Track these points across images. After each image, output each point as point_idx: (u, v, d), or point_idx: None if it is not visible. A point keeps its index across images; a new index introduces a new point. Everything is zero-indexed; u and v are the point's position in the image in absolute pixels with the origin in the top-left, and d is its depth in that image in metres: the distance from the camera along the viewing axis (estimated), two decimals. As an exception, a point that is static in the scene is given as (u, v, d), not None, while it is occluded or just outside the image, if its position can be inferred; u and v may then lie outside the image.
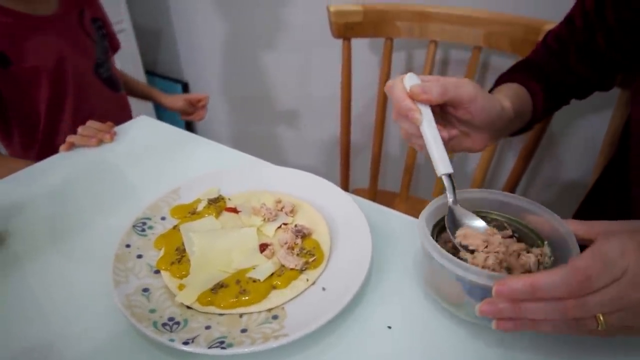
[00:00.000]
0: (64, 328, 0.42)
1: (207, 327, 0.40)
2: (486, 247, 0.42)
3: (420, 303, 0.44)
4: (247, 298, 0.42)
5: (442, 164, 0.42)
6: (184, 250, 0.47)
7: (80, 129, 0.71)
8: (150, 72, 1.75)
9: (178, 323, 0.40)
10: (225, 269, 0.45)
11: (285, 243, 0.47)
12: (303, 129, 1.54)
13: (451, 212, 0.43)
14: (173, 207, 0.54)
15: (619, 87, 0.76)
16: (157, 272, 0.46)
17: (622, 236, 0.31)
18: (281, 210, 0.52)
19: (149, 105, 1.53)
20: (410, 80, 0.44)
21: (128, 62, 1.54)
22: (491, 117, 0.46)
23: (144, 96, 1.15)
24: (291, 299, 0.42)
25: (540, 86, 0.58)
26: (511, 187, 0.96)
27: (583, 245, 0.38)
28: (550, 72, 0.60)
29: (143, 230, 0.50)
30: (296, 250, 0.46)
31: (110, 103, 1.01)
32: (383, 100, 1.02)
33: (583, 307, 0.30)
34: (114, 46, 1.07)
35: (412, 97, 0.43)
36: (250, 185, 0.57)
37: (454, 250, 0.44)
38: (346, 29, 0.95)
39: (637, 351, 0.38)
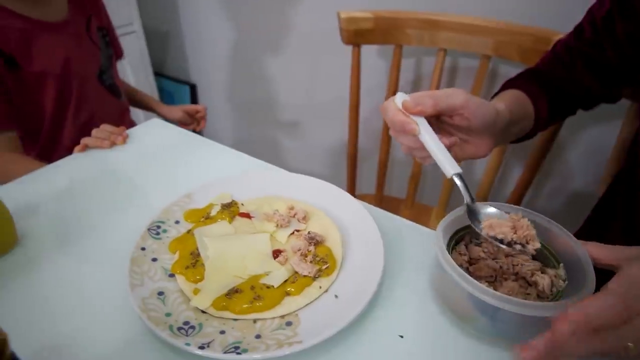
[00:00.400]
0: (78, 330, 0.42)
1: (222, 332, 0.40)
2: (515, 232, 0.42)
3: (432, 313, 0.44)
4: (261, 304, 0.42)
5: (449, 165, 0.43)
6: (198, 254, 0.48)
7: (94, 132, 0.72)
8: (158, 74, 1.76)
9: (193, 327, 0.41)
10: (239, 274, 0.45)
11: (299, 250, 0.47)
12: (309, 134, 1.55)
13: (470, 210, 0.44)
14: (187, 211, 0.54)
15: (628, 100, 0.76)
16: (172, 275, 0.46)
17: None
18: (294, 216, 0.53)
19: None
20: (401, 98, 0.45)
21: (137, 63, 1.55)
22: (487, 120, 0.46)
23: (143, 106, 1.17)
24: (304, 306, 0.43)
25: (543, 92, 0.58)
26: (517, 198, 0.97)
27: (598, 269, 0.38)
28: (556, 81, 0.60)
29: (157, 233, 0.51)
30: (309, 258, 0.47)
31: (111, 109, 1.02)
32: (391, 107, 1.02)
33: (617, 338, 0.30)
34: (118, 53, 1.09)
35: (406, 110, 0.44)
36: (262, 190, 0.58)
37: (468, 264, 0.45)
38: (356, 36, 0.96)
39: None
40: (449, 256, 0.40)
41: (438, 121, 0.47)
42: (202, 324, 0.41)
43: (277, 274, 0.45)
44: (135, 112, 1.13)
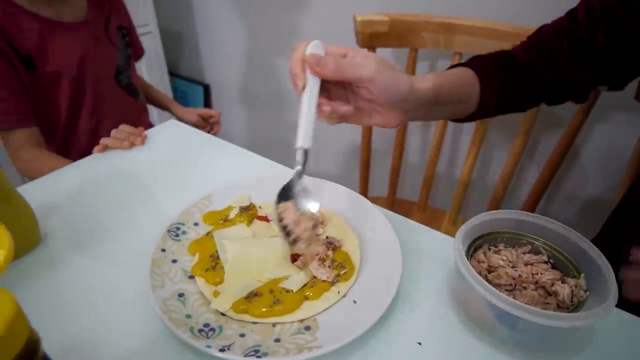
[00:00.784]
0: (98, 330, 0.43)
1: (242, 335, 0.41)
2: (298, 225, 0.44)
3: (450, 320, 0.44)
4: (280, 308, 0.42)
5: (302, 138, 0.43)
6: (218, 257, 0.48)
7: (113, 132, 0.73)
8: (172, 74, 1.78)
9: (213, 330, 0.41)
10: (258, 277, 0.46)
11: (317, 254, 0.48)
12: (320, 135, 1.55)
13: (292, 183, 0.45)
14: (205, 213, 0.55)
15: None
16: (191, 277, 0.47)
17: None
18: (311, 220, 0.53)
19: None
20: (314, 49, 0.44)
21: (153, 63, 1.57)
22: (394, 98, 0.45)
23: (161, 106, 1.18)
24: (323, 311, 0.43)
25: (502, 78, 0.56)
26: (533, 203, 0.96)
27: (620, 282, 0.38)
28: (524, 67, 0.58)
29: (177, 235, 0.51)
30: (327, 262, 0.47)
31: (128, 109, 1.04)
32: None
33: None
34: (139, 53, 1.10)
35: (307, 64, 0.43)
36: (279, 194, 0.58)
37: (487, 272, 0.45)
38: (372, 38, 0.96)
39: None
40: (469, 264, 0.40)
41: (342, 87, 0.47)
42: (222, 326, 0.41)
43: (296, 279, 0.45)
44: (149, 111, 1.14)
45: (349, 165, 1.54)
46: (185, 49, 1.76)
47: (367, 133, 1.08)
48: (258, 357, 0.38)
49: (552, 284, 0.43)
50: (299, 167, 0.44)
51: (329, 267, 0.46)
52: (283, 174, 0.66)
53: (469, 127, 1.16)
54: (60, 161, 0.82)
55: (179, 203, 0.56)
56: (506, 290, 0.44)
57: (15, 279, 0.48)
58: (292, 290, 0.44)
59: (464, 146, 1.21)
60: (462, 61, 0.62)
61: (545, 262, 0.45)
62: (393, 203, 1.18)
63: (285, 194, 0.45)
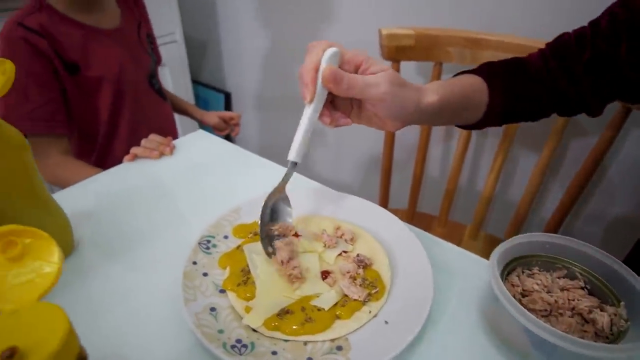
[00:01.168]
0: (129, 341, 0.43)
1: (274, 353, 0.41)
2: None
3: (483, 343, 0.43)
4: (311, 326, 0.42)
5: (295, 150, 0.45)
6: (249, 271, 0.48)
7: (143, 142, 0.74)
8: (195, 81, 1.80)
9: (245, 346, 0.41)
10: (289, 294, 0.46)
11: (348, 272, 0.48)
12: (340, 146, 1.56)
13: (278, 196, 0.50)
14: (235, 226, 0.55)
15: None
16: (222, 291, 0.47)
17: None
18: (341, 237, 0.53)
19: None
20: (330, 59, 0.43)
21: (177, 71, 1.60)
22: (398, 115, 0.45)
23: (182, 111, 1.20)
24: (354, 331, 0.43)
25: (512, 87, 0.56)
26: (557, 222, 0.94)
27: None
28: (539, 74, 0.57)
29: (208, 248, 0.52)
30: (358, 281, 0.47)
31: (160, 111, 1.07)
32: (429, 124, 1.02)
33: None
34: (158, 60, 1.14)
35: (321, 76, 0.42)
36: (307, 208, 0.59)
37: (521, 296, 0.44)
38: (397, 52, 0.96)
39: None
40: (504, 288, 0.40)
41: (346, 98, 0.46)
42: (254, 343, 0.42)
43: (327, 297, 0.45)
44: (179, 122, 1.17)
45: (367, 175, 1.53)
46: (209, 57, 1.79)
47: (390, 143, 1.08)
48: (291, 376, 0.38)
49: (590, 312, 0.42)
50: (287, 180, 0.48)
51: (360, 285, 0.46)
52: (309, 188, 0.66)
53: (493, 141, 1.15)
54: (87, 169, 0.84)
55: (206, 213, 0.57)
56: (542, 316, 0.43)
57: (50, 287, 0.49)
58: (323, 309, 0.44)
59: (486, 159, 1.20)
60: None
61: (582, 288, 0.44)
62: (413, 216, 1.17)
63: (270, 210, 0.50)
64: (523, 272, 0.47)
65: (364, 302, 0.45)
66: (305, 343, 0.42)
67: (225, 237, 0.54)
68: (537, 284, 0.45)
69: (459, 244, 0.56)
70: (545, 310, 0.43)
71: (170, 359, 0.42)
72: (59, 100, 0.85)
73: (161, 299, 0.48)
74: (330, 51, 0.43)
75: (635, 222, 1.02)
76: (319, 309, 0.44)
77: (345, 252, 0.51)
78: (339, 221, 0.56)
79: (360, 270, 0.48)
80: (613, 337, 0.40)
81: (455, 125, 0.60)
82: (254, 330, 0.43)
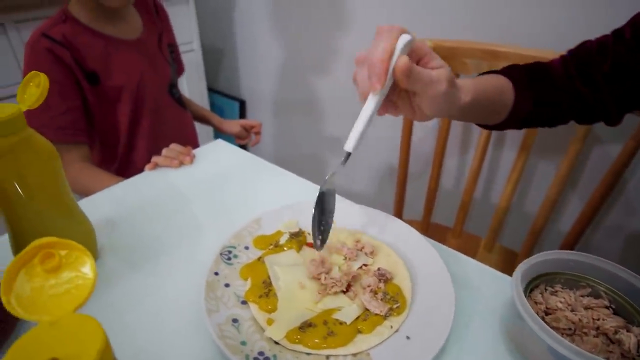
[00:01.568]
0: (151, 350, 0.44)
1: (296, 366, 0.41)
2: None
3: (505, 361, 0.43)
4: (334, 340, 0.43)
5: (352, 141, 0.44)
6: (270, 283, 0.49)
7: (164, 151, 0.76)
8: (210, 89, 1.83)
9: (268, 358, 0.41)
10: (311, 307, 0.46)
11: (369, 286, 0.48)
12: (354, 156, 1.56)
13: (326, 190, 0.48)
14: (255, 237, 0.56)
15: None
16: (244, 302, 0.48)
17: None
18: (361, 250, 0.53)
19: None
20: (404, 49, 0.40)
21: (194, 79, 1.62)
22: (440, 113, 0.45)
23: (201, 118, 1.21)
24: (375, 345, 0.43)
25: (535, 91, 0.56)
26: (575, 236, 0.93)
27: None
28: (561, 79, 0.58)
29: (229, 258, 0.52)
30: (379, 295, 0.47)
31: (180, 120, 1.09)
32: (444, 134, 1.02)
33: None
34: (180, 70, 1.16)
35: (395, 67, 0.40)
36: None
37: (544, 314, 0.44)
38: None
39: None
40: (529, 307, 0.39)
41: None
42: (276, 355, 0.42)
43: (349, 310, 0.45)
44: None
45: (381, 185, 1.53)
46: (224, 66, 1.81)
47: (405, 155, 1.07)
48: (314, 390, 0.38)
49: (616, 332, 0.41)
50: (341, 166, 0.47)
51: (381, 299, 0.46)
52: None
53: (510, 152, 1.15)
54: (107, 177, 0.85)
55: (225, 223, 0.57)
56: (566, 335, 0.42)
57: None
58: (345, 322, 0.44)
59: (503, 170, 1.19)
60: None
61: (607, 307, 0.44)
62: (427, 228, 1.17)
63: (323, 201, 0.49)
64: (546, 289, 0.47)
65: (386, 317, 0.45)
66: (327, 357, 0.42)
67: (246, 247, 0.55)
68: (561, 302, 0.45)
69: (474, 256, 0.55)
70: (570, 329, 0.43)
71: (192, 368, 0.42)
72: (80, 109, 0.87)
73: (182, 307, 0.48)
74: (405, 38, 0.40)
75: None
76: (340, 323, 0.44)
77: (365, 265, 0.52)
78: (358, 233, 0.56)
79: (381, 284, 0.48)
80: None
81: (477, 124, 0.61)
82: (276, 343, 0.43)
